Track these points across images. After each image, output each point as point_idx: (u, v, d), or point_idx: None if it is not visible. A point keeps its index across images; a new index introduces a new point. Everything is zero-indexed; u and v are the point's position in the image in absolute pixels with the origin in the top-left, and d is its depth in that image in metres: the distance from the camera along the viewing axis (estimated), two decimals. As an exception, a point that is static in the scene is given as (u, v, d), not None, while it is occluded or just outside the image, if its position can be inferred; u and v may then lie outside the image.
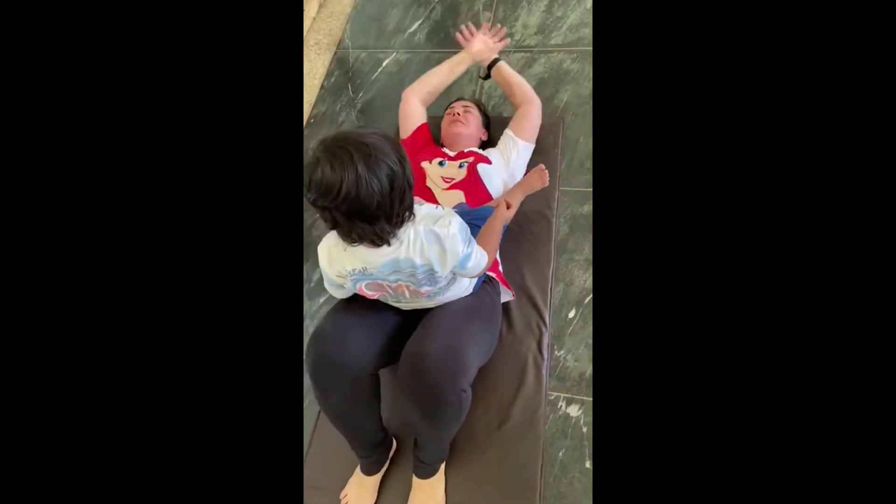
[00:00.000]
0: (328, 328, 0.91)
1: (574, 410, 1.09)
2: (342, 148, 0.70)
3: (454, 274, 0.90)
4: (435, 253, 0.83)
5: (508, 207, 1.02)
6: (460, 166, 1.23)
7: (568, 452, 1.05)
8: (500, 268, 1.20)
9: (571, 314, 1.20)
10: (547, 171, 1.31)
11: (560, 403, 1.10)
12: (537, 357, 1.15)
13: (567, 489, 1.01)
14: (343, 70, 1.85)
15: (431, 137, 1.40)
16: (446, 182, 1.21)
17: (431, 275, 0.85)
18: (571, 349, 1.16)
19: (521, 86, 1.37)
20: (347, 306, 0.96)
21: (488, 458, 1.06)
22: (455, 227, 0.83)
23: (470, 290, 1.00)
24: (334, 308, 1.00)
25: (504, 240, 1.25)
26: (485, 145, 1.41)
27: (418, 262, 0.83)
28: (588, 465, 1.03)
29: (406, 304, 0.97)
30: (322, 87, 1.83)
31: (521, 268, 1.26)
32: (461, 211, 1.12)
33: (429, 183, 1.21)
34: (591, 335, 1.16)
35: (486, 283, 1.08)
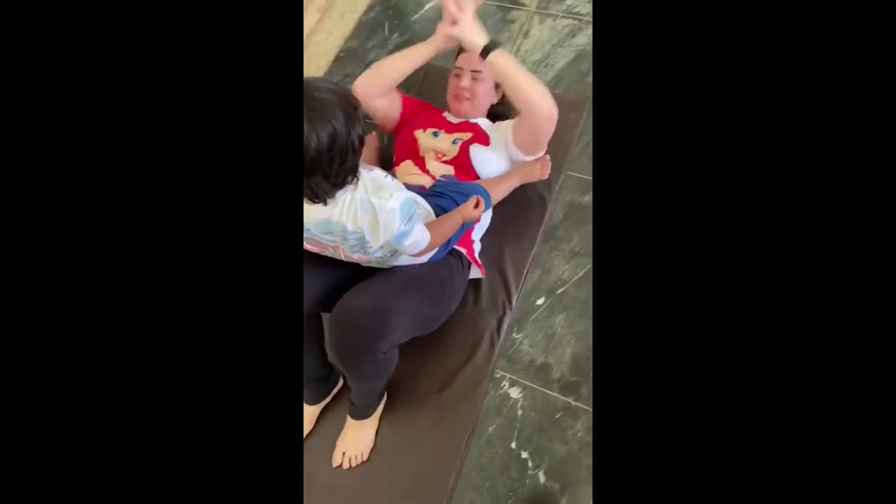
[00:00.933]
0: None
1: (515, 392, 1.11)
2: (311, 103, 0.70)
3: (395, 249, 0.90)
4: (367, 222, 0.82)
5: (476, 206, 0.99)
6: (454, 142, 1.19)
7: (498, 430, 1.08)
8: (476, 247, 1.19)
9: (540, 301, 1.19)
10: (550, 161, 1.26)
11: (504, 383, 1.12)
12: (494, 334, 1.16)
13: (487, 463, 1.05)
14: (385, 6, 1.79)
15: (425, 103, 1.32)
16: (438, 157, 1.18)
17: (363, 243, 0.86)
18: (530, 335, 1.16)
19: (526, 88, 1.04)
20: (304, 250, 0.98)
21: (423, 416, 1.10)
22: (396, 201, 0.81)
23: (423, 259, 1.00)
24: None
25: (495, 213, 1.24)
26: (493, 117, 1.28)
27: (349, 227, 0.83)
28: (513, 446, 1.06)
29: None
30: (360, 20, 1.79)
31: (502, 244, 1.25)
32: (445, 182, 1.11)
33: (421, 152, 1.19)
34: (553, 326, 1.16)
35: (450, 255, 1.08)
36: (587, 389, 1.08)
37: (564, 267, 1.22)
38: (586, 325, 1.14)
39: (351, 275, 0.99)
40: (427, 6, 1.76)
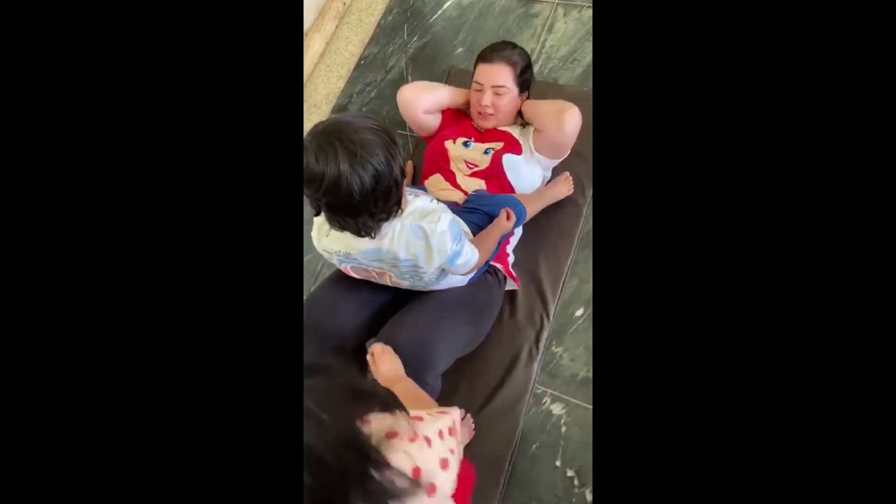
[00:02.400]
0: (319, 297, 0.94)
1: (557, 409, 1.09)
2: (329, 142, 0.69)
3: (443, 270, 0.89)
4: (420, 249, 0.81)
5: (508, 218, 0.98)
6: (485, 152, 1.16)
7: (542, 448, 1.06)
8: (510, 259, 1.16)
9: (579, 312, 1.16)
10: (571, 179, 1.23)
11: (545, 399, 1.10)
12: (532, 349, 1.14)
13: (532, 482, 1.03)
14: (403, 8, 1.75)
15: (459, 112, 1.30)
16: (469, 168, 1.15)
17: (415, 270, 0.85)
18: (570, 348, 1.13)
19: (550, 112, 1.09)
20: (341, 277, 0.97)
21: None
22: (444, 223, 0.81)
23: (465, 281, 0.99)
24: (329, 277, 1.02)
25: (527, 222, 1.21)
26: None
27: (402, 255, 0.82)
28: (558, 464, 1.04)
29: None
30: (379, 24, 1.75)
31: (538, 254, 1.22)
32: (478, 196, 1.08)
33: (452, 166, 1.16)
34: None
35: (487, 273, 1.06)
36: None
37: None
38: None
39: (392, 299, 0.99)
40: (446, 5, 1.71)
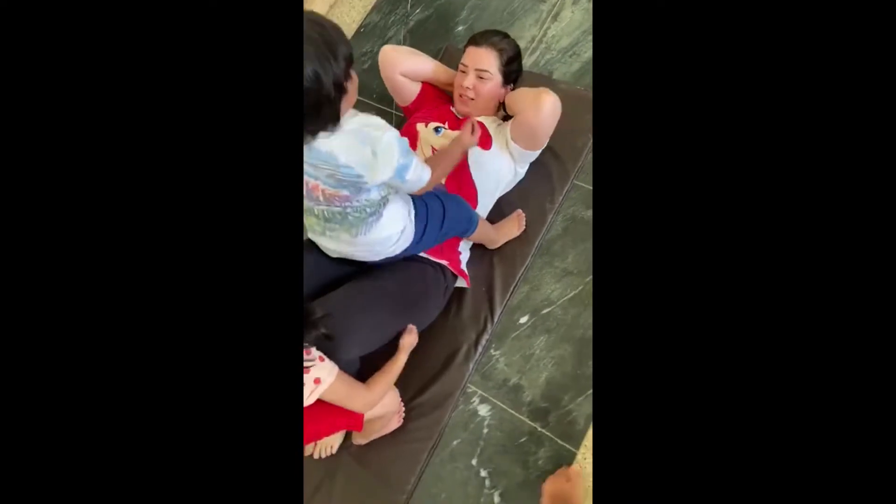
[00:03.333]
0: None
1: (484, 410, 1.10)
2: None
3: (387, 194, 0.86)
4: (364, 155, 0.76)
5: (473, 132, 0.93)
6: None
7: (462, 445, 1.09)
8: (464, 256, 1.16)
9: (524, 320, 1.16)
10: (524, 215, 1.22)
11: (474, 399, 1.12)
12: (471, 349, 1.15)
13: (448, 476, 1.07)
14: (412, -23, 1.68)
15: (441, 93, 1.28)
16: (434, 153, 1.13)
17: (357, 181, 0.79)
18: (507, 353, 1.14)
19: (528, 95, 1.08)
20: None
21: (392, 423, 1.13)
22: (391, 134, 0.77)
23: (399, 250, 0.96)
24: None
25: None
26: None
27: (342, 159, 0.76)
28: (474, 462, 1.07)
29: (331, 245, 0.95)
30: (384, -9, 1.69)
31: (493, 255, 1.21)
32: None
33: (418, 150, 1.14)
34: (533, 347, 1.13)
35: (429, 267, 1.05)
36: (555, 417, 1.06)
37: (555, 286, 1.17)
38: (567, 350, 1.10)
39: (335, 275, 1.00)
40: (454, -22, 1.63)
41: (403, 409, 1.10)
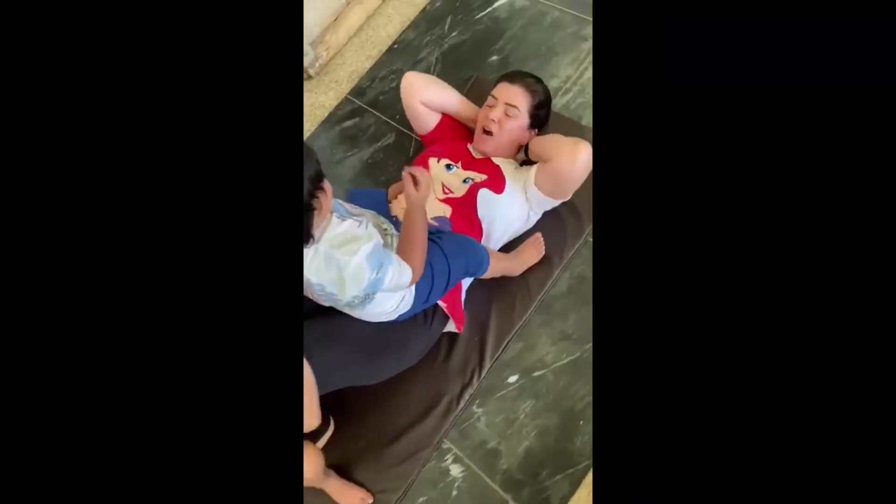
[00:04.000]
0: None
1: (456, 470, 1.04)
2: None
3: (367, 296, 0.84)
4: (331, 277, 0.77)
5: (416, 185, 0.84)
6: (465, 181, 1.08)
7: (427, 503, 1.03)
8: (463, 297, 1.10)
9: (513, 379, 1.09)
10: (542, 240, 1.15)
11: (448, 456, 1.06)
12: (453, 402, 1.09)
13: (408, 533, 1.02)
14: (453, -3, 1.64)
15: (460, 126, 1.22)
16: (444, 192, 1.08)
17: (329, 295, 0.80)
18: (490, 413, 1.07)
19: (565, 142, 1.02)
20: None
21: (361, 464, 1.07)
22: (362, 254, 0.75)
23: (395, 315, 0.93)
24: None
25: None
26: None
27: (313, 280, 0.78)
28: (438, 525, 1.01)
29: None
30: (424, 9, 1.65)
31: (492, 304, 1.15)
32: (436, 230, 1.02)
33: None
34: (517, 411, 1.06)
35: (422, 314, 1.00)
36: (529, 493, 0.99)
37: (550, 348, 1.10)
38: (553, 420, 1.03)
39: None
40: (496, 4, 1.57)
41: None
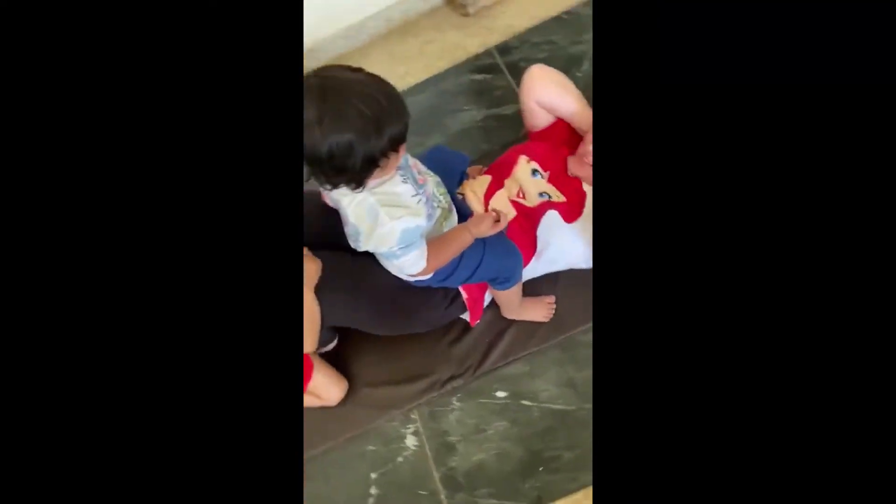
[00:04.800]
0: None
1: (411, 441, 1.08)
2: (320, 88, 0.65)
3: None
4: (366, 227, 0.78)
5: (493, 224, 0.83)
6: (541, 194, 1.01)
7: (372, 453, 1.08)
8: (487, 293, 1.08)
9: (501, 394, 1.08)
10: (554, 305, 1.10)
11: (410, 426, 1.09)
12: (437, 384, 1.11)
13: (338, 471, 1.08)
14: None
15: (570, 136, 1.12)
16: (518, 196, 1.02)
17: (355, 236, 0.82)
18: (465, 412, 1.08)
19: None
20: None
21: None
22: (401, 224, 0.76)
23: (411, 279, 0.93)
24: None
25: (538, 280, 1.09)
26: None
27: (350, 220, 0.79)
28: (373, 476, 1.07)
29: None
30: None
31: (514, 320, 1.11)
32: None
33: (506, 181, 1.04)
34: (490, 425, 1.06)
35: (442, 292, 1.00)
36: (461, 499, 1.01)
37: (550, 387, 1.06)
38: (516, 453, 1.02)
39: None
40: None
41: None
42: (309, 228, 0.89)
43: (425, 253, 0.82)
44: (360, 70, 0.69)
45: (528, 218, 1.02)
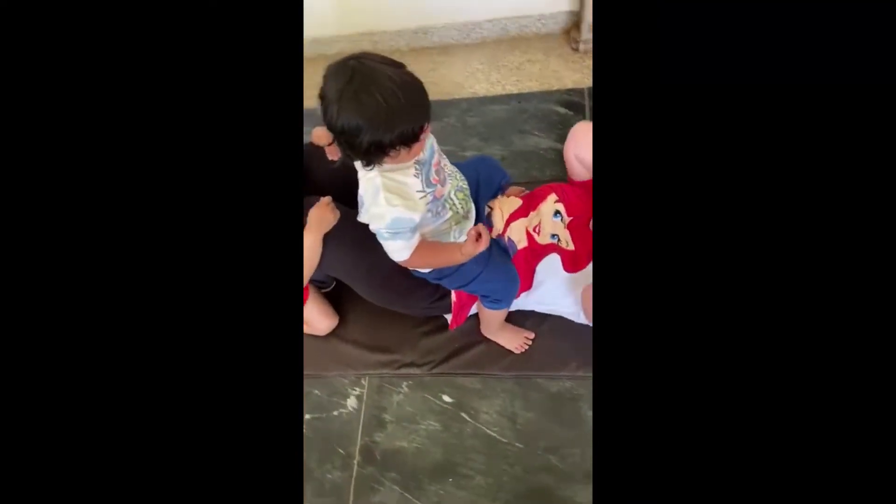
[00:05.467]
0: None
1: (351, 403, 1.14)
2: (348, 69, 0.69)
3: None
4: (367, 200, 0.83)
5: (478, 240, 0.83)
6: (553, 236, 1.03)
7: (315, 398, 1.16)
8: (475, 305, 1.11)
9: (446, 399, 1.11)
10: (530, 342, 1.11)
11: (357, 390, 1.15)
12: (394, 364, 1.16)
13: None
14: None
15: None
16: (534, 229, 1.04)
17: (360, 205, 0.87)
18: (407, 400, 1.12)
19: None
20: None
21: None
22: (392, 212, 0.79)
23: (397, 259, 0.93)
24: None
25: (527, 313, 1.12)
26: None
27: (360, 188, 0.84)
28: (307, 417, 1.14)
29: None
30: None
31: (491, 340, 1.14)
32: (505, 246, 1.01)
33: (530, 213, 1.06)
34: (423, 420, 1.10)
35: (433, 287, 1.04)
36: (371, 472, 1.06)
37: (493, 413, 1.08)
38: (435, 455, 1.06)
39: None
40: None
41: None
42: (340, 183, 0.97)
43: (412, 248, 0.85)
44: (399, 66, 0.72)
45: (535, 254, 1.04)
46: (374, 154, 0.75)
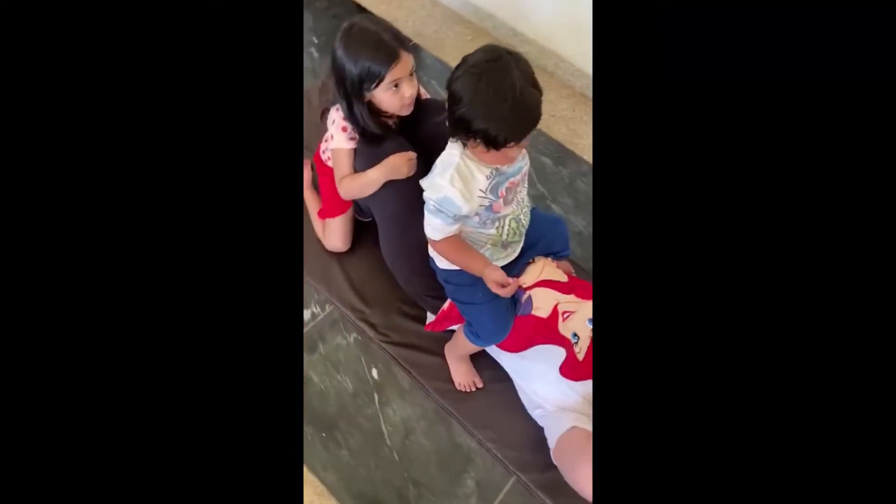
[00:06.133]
0: None
1: (306, 315, 1.19)
2: (493, 75, 0.72)
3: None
4: (438, 166, 0.86)
5: (504, 286, 0.86)
6: (573, 334, 0.98)
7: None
8: (455, 326, 1.10)
9: (374, 372, 1.13)
10: (479, 387, 1.10)
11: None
12: (359, 313, 1.19)
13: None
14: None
15: None
16: (563, 314, 0.99)
17: (433, 169, 0.89)
18: (352, 346, 1.15)
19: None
20: None
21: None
22: (447, 191, 0.81)
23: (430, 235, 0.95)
24: None
25: (498, 366, 1.12)
26: None
27: (443, 154, 0.87)
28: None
29: None
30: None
31: (445, 360, 1.14)
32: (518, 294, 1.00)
33: (574, 298, 1.01)
34: (348, 389, 1.12)
35: (438, 286, 1.04)
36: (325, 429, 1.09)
37: (399, 415, 1.08)
38: (330, 406, 1.08)
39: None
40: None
41: None
42: (434, 147, 0.99)
43: (446, 234, 0.87)
44: (536, 86, 0.75)
45: (548, 333, 1.00)
46: (459, 130, 0.78)
